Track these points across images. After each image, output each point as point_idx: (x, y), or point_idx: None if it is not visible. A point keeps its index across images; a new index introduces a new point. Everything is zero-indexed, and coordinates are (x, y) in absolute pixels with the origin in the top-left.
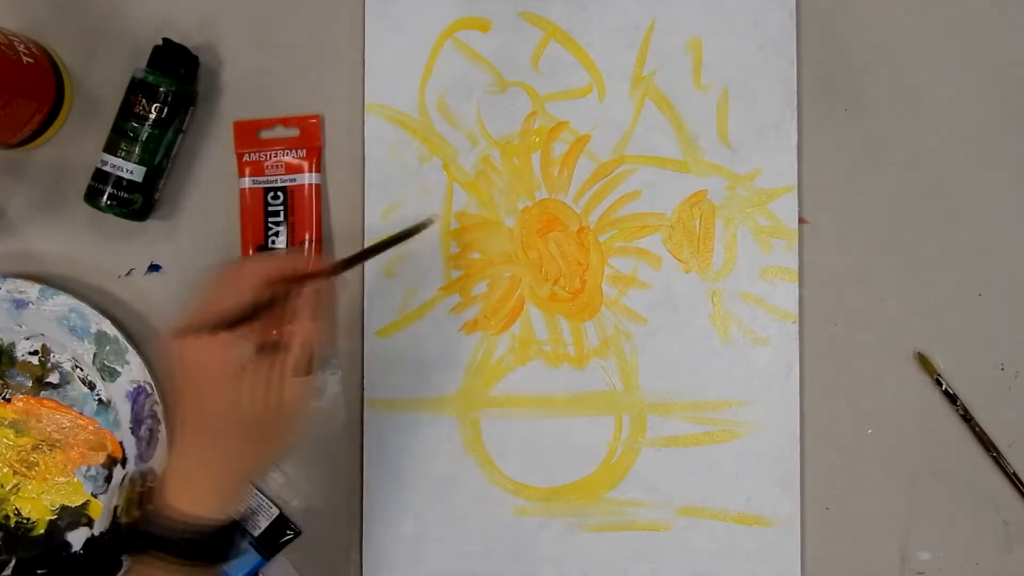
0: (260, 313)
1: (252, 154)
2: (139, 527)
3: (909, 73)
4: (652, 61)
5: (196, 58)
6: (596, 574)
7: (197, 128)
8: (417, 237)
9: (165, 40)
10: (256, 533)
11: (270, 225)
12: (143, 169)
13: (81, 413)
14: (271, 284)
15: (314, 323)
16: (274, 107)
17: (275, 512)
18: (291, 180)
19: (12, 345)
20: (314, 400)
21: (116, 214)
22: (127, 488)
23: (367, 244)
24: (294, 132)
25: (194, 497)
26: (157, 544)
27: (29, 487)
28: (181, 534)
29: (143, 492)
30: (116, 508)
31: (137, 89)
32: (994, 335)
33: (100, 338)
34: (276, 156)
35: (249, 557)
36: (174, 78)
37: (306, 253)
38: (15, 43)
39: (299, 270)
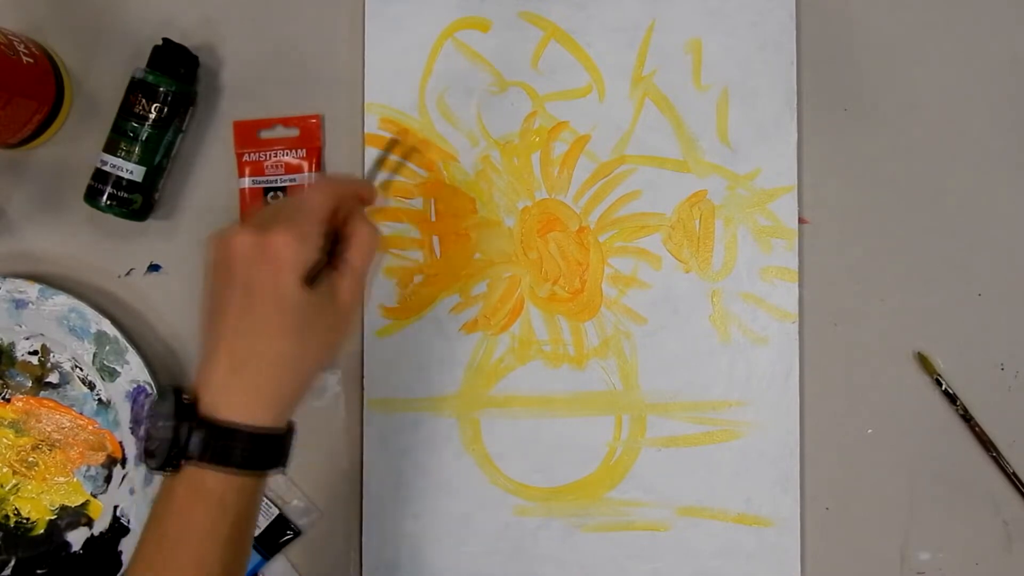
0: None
1: (252, 154)
2: (174, 442)
3: (909, 73)
4: (652, 61)
5: (196, 58)
6: (596, 574)
7: (197, 128)
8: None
9: (165, 40)
10: (256, 533)
11: None
12: (143, 169)
13: (81, 413)
14: (338, 201)
15: (372, 227)
16: (274, 107)
17: (275, 512)
18: (291, 180)
19: (12, 345)
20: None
21: (116, 214)
22: (155, 402)
23: (368, 170)
24: (294, 132)
25: (238, 401)
26: (199, 456)
27: (29, 487)
28: (224, 443)
29: (178, 408)
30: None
31: (137, 89)
32: (994, 335)
33: (100, 338)
34: (276, 156)
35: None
36: (174, 78)
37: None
38: (15, 43)
39: (360, 191)
